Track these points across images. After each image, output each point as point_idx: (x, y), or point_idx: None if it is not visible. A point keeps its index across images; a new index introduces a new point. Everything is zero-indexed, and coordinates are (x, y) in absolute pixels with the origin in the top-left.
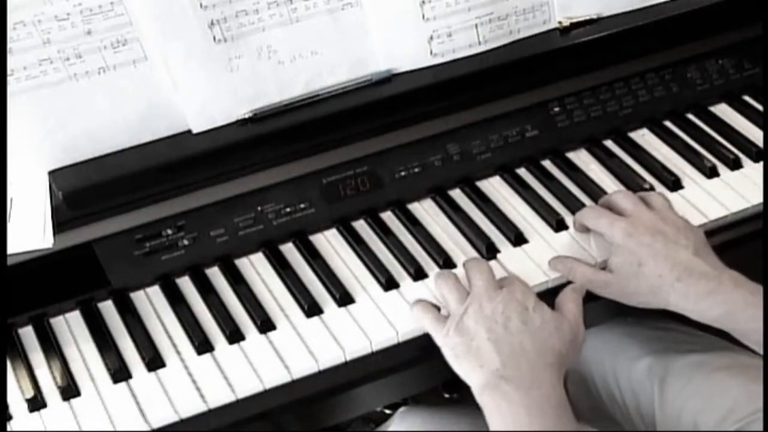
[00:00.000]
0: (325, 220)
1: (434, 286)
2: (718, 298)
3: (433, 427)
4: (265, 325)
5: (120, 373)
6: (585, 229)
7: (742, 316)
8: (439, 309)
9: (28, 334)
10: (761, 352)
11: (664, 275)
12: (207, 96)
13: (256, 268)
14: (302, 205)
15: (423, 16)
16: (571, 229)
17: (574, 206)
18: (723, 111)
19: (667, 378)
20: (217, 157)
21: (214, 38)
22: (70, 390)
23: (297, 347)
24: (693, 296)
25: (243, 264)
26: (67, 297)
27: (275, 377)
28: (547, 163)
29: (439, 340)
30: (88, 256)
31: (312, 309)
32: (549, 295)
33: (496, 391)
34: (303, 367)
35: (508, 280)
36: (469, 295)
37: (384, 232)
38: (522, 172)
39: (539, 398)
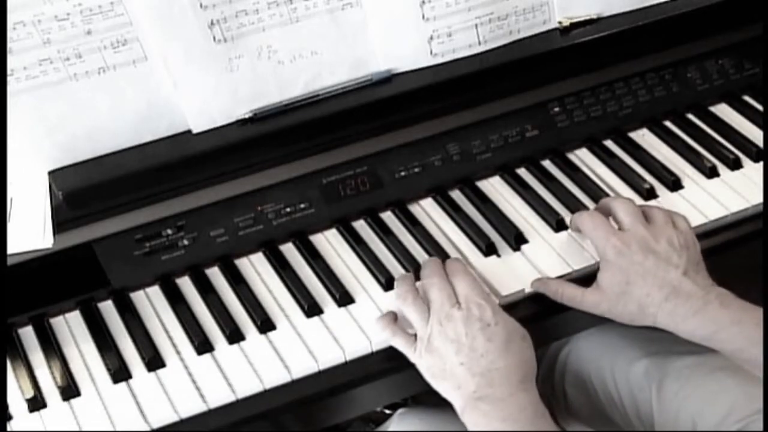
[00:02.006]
0: (325, 220)
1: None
2: (704, 318)
3: (432, 427)
4: (265, 325)
5: (120, 373)
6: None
7: (729, 335)
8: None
9: (28, 334)
10: (754, 371)
11: (652, 295)
12: (207, 96)
13: (256, 268)
14: (302, 205)
15: (423, 16)
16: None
17: (574, 206)
18: (723, 111)
19: (665, 379)
20: (217, 157)
21: (214, 38)
22: (70, 390)
23: (297, 347)
24: (680, 316)
25: (243, 264)
26: (67, 297)
27: (275, 377)
28: (547, 163)
29: (413, 359)
30: (88, 256)
31: (312, 309)
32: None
33: (475, 411)
34: (303, 367)
35: (460, 287)
36: (430, 314)
37: (384, 232)
38: (522, 172)
39: (515, 408)
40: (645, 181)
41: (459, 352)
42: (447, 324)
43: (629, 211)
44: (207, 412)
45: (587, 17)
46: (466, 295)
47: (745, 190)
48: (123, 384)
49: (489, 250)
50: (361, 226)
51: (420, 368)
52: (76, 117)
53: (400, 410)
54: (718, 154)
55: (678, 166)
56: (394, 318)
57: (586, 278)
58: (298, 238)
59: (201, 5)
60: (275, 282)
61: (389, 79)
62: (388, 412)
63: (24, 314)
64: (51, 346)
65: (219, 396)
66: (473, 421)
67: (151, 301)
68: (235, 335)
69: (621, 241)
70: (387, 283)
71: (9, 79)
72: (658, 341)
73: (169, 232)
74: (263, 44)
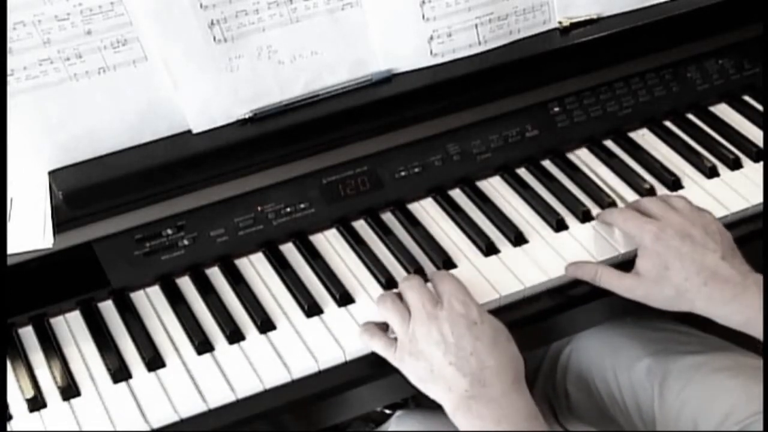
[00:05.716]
0: (325, 220)
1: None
2: (742, 303)
3: (430, 429)
4: (265, 325)
5: (120, 373)
6: (607, 225)
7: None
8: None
9: (28, 334)
10: None
11: (691, 279)
12: (207, 96)
13: (256, 268)
14: (302, 205)
15: (423, 16)
16: (572, 228)
17: (574, 206)
18: (723, 111)
19: (667, 379)
20: (217, 157)
21: (214, 38)
22: (70, 390)
23: (297, 347)
24: (718, 301)
25: (243, 264)
26: (67, 297)
27: (275, 377)
28: (547, 163)
29: (395, 363)
30: (88, 256)
31: (312, 309)
32: (549, 295)
33: (468, 412)
34: (303, 367)
35: (443, 287)
36: (411, 316)
37: (384, 232)
38: (522, 172)
39: (509, 409)
40: (645, 181)
41: (447, 352)
42: (431, 324)
43: (658, 204)
44: (207, 412)
45: (587, 17)
46: (448, 293)
47: (745, 190)
48: (123, 384)
49: (489, 250)
50: (361, 226)
51: (405, 372)
52: (76, 117)
53: (398, 412)
54: (718, 154)
55: (678, 166)
56: (380, 327)
57: None
58: (298, 238)
59: (201, 5)
60: (275, 282)
61: (389, 79)
62: (388, 412)
63: (24, 314)
64: (51, 346)
65: (219, 396)
66: (467, 422)
67: (151, 301)
68: (235, 335)
69: (657, 227)
70: (387, 283)
71: (9, 79)
72: (660, 341)
73: (169, 232)
74: (263, 44)
